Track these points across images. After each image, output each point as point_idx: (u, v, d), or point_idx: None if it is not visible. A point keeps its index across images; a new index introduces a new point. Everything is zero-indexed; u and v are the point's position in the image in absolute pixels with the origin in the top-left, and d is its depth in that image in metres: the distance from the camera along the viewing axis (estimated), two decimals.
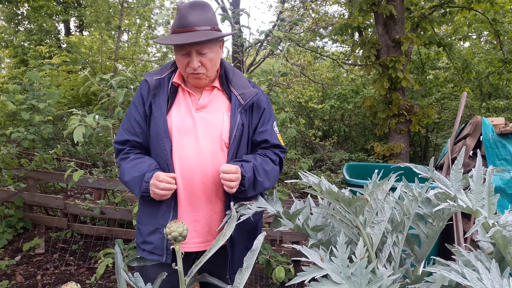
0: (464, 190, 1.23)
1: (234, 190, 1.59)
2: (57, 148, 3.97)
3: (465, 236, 2.16)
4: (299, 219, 1.70)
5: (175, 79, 1.70)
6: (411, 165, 1.23)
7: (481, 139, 2.79)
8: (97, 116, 2.63)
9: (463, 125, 3.18)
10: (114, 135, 2.86)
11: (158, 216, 1.66)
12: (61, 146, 4.07)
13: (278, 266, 2.67)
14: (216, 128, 1.66)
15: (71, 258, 3.79)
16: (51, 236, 4.11)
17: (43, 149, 5.01)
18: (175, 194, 1.64)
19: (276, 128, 1.80)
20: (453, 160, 2.83)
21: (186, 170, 1.64)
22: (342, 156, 8.69)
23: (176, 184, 1.60)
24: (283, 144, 1.80)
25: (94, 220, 4.22)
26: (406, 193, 1.48)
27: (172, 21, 1.69)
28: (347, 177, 3.10)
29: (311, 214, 1.76)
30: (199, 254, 1.68)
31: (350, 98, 10.97)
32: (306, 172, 1.52)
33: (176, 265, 1.39)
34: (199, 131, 1.64)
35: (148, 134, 1.70)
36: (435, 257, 1.27)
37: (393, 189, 1.46)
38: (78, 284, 1.35)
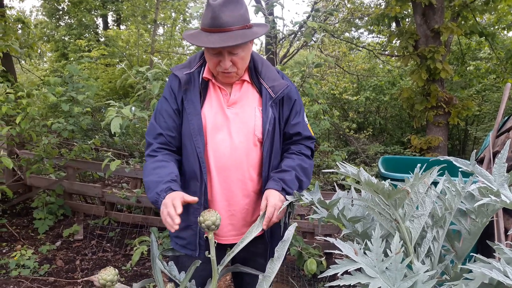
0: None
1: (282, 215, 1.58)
2: (95, 139, 4.10)
3: (507, 233, 2.07)
4: (338, 208, 1.67)
5: (205, 74, 1.65)
6: (451, 158, 1.19)
7: None
8: (133, 108, 2.68)
9: (506, 118, 3.04)
10: None
11: (189, 212, 1.66)
12: (99, 136, 4.19)
13: (310, 258, 2.66)
14: (249, 124, 1.63)
15: (108, 244, 3.91)
16: (89, 223, 4.26)
17: (82, 139, 5.18)
18: (206, 191, 1.63)
19: (306, 119, 1.77)
20: (494, 154, 2.72)
21: (221, 167, 1.63)
22: (377, 149, 8.50)
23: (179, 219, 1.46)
24: (313, 134, 1.79)
25: (130, 208, 4.34)
26: (448, 187, 1.43)
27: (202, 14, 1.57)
28: (383, 171, 3.04)
29: (352, 205, 1.73)
30: (234, 245, 1.70)
31: (386, 90, 10.71)
32: (343, 163, 1.49)
33: (209, 253, 1.41)
34: (233, 128, 1.62)
35: (179, 130, 1.67)
36: (475, 254, 1.22)
37: (434, 183, 1.42)
38: (116, 269, 1.39)
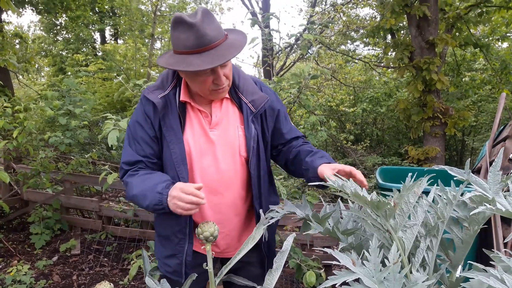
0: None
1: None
2: (92, 152, 4.09)
3: (504, 241, 2.06)
4: (329, 223, 1.67)
5: (183, 97, 1.52)
6: (446, 167, 1.19)
7: None
8: None
9: (502, 127, 3.06)
10: None
11: (174, 242, 1.61)
12: (96, 150, 4.19)
13: (309, 271, 2.64)
14: (233, 144, 1.57)
15: (105, 259, 3.88)
16: (86, 238, 4.22)
17: (79, 153, 5.17)
18: (191, 221, 1.58)
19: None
20: (491, 163, 2.72)
21: (211, 192, 1.58)
22: (375, 160, 8.52)
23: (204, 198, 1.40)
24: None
25: (127, 222, 4.32)
26: (440, 196, 1.44)
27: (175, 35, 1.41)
28: (380, 181, 3.04)
29: (341, 218, 1.73)
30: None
31: (382, 101, 10.77)
32: (336, 175, 1.49)
33: (207, 265, 1.40)
34: (218, 151, 1.56)
35: (162, 163, 1.57)
36: (472, 262, 1.22)
37: (427, 193, 1.42)
38: (111, 284, 1.38)
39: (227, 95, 1.58)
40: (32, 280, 3.42)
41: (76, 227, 4.44)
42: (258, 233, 1.55)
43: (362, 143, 10.22)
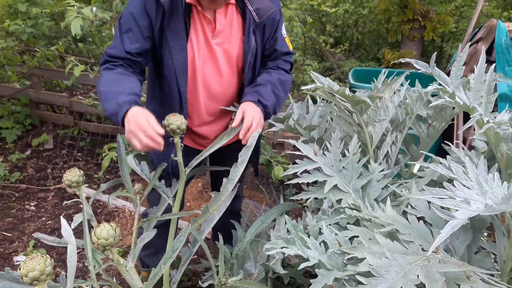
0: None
1: (260, 127, 1.52)
2: (58, 45, 3.89)
3: (457, 133, 2.17)
4: (293, 119, 1.71)
5: None
6: (412, 61, 1.18)
7: (493, 45, 2.68)
8: (94, 8, 2.52)
9: (476, 30, 3.03)
10: (113, 29, 2.77)
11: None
12: (63, 43, 3.97)
13: (278, 166, 2.75)
14: (233, 54, 1.57)
15: (79, 154, 3.91)
16: (58, 133, 4.20)
17: (46, 47, 4.92)
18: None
19: (284, 31, 1.70)
20: None
21: (211, 98, 1.63)
22: (353, 65, 8.44)
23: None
24: (291, 48, 1.74)
25: (100, 119, 4.29)
26: (409, 93, 1.47)
27: None
28: (352, 81, 3.07)
29: (307, 113, 1.77)
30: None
31: (365, 2, 10.40)
32: (315, 74, 1.47)
33: (175, 155, 1.44)
34: (220, 59, 1.55)
35: (160, 64, 1.53)
36: (430, 154, 1.28)
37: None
38: (81, 171, 1.40)
39: (232, 1, 1.50)
40: (6, 172, 3.46)
41: (47, 122, 4.39)
42: (234, 131, 1.56)
43: (341, 46, 10.04)
